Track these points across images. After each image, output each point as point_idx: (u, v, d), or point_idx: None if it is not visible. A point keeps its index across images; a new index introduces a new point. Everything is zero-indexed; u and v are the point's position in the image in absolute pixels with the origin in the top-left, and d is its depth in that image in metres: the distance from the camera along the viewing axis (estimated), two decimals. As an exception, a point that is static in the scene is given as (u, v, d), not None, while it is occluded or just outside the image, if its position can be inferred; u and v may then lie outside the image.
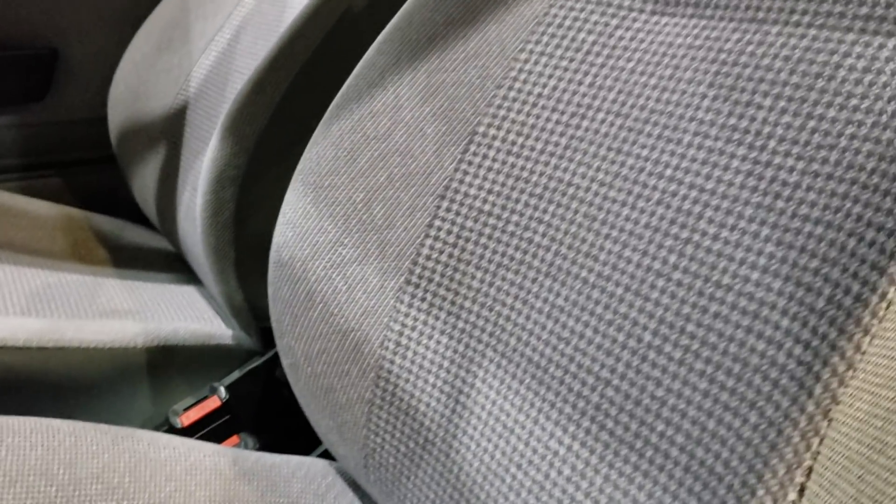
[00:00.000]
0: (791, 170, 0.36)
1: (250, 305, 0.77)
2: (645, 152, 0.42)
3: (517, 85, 0.50)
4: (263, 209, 0.71)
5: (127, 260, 1.00)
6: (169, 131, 0.98)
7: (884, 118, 0.33)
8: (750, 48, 0.40)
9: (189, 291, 0.94)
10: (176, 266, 1.01)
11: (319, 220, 0.53)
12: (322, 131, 0.55)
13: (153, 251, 1.06)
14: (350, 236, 0.52)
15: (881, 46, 0.35)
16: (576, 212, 0.44)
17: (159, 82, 1.01)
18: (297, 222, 0.54)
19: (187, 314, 0.87)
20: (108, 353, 0.71)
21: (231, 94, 0.91)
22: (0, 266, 0.87)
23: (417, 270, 0.50)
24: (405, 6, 0.55)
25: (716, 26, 0.42)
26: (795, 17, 0.39)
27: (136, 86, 1.03)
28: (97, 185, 1.21)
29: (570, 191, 0.45)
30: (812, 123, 0.36)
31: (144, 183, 1.01)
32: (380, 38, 0.55)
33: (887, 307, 0.29)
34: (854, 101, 0.35)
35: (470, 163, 0.50)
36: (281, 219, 0.55)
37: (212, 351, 0.79)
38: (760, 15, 0.41)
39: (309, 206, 0.54)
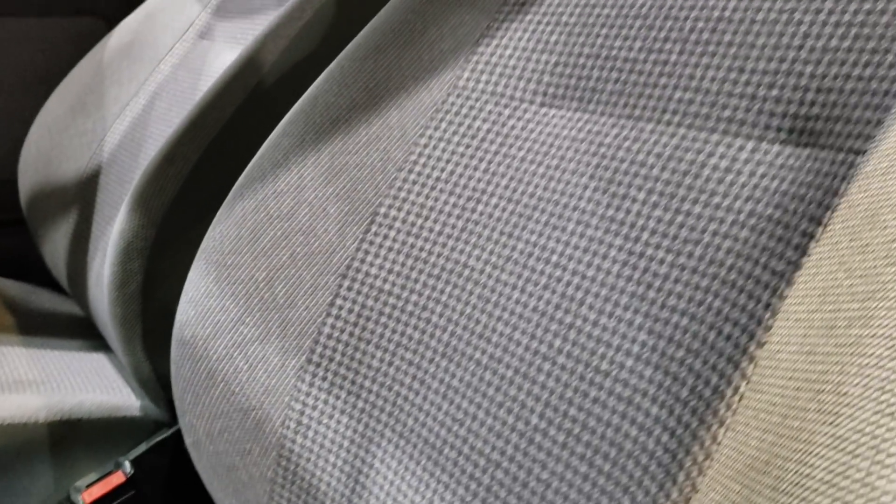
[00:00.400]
0: (661, 262, 0.38)
1: (158, 376, 0.76)
2: (534, 238, 0.44)
3: (417, 168, 0.51)
4: (172, 281, 0.71)
5: (35, 326, 0.98)
6: (81, 196, 0.96)
7: (741, 217, 0.36)
8: (627, 143, 0.43)
9: (98, 359, 0.92)
10: (86, 332, 0.99)
11: (221, 300, 0.54)
12: (226, 210, 0.56)
13: (63, 317, 1.03)
14: (252, 315, 0.53)
15: (741, 148, 0.38)
16: (471, 293, 0.46)
17: (72, 146, 1.00)
18: (199, 301, 0.54)
19: (95, 384, 0.85)
20: (7, 429, 0.69)
21: (144, 161, 0.91)
22: None
23: (318, 349, 0.50)
24: (310, 89, 0.57)
25: (597, 121, 0.45)
26: (667, 116, 0.42)
27: (49, 149, 1.02)
28: (6, 249, 1.18)
29: (466, 272, 0.47)
30: (680, 218, 0.38)
31: (55, 248, 0.99)
32: (285, 119, 0.57)
33: (739, 401, 0.31)
34: (716, 200, 0.37)
35: (371, 242, 0.51)
36: (183, 297, 0.56)
37: (118, 423, 0.77)
38: (637, 112, 0.43)
39: (211, 285, 0.54)
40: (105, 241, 0.88)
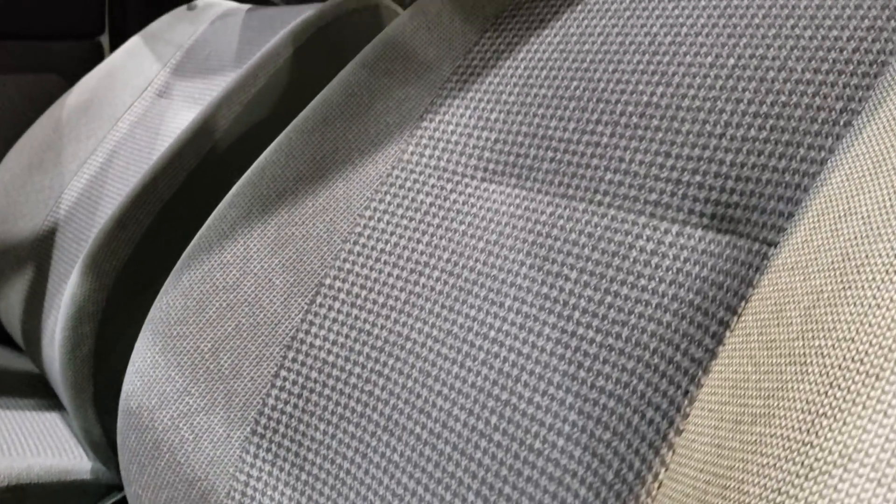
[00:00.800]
0: (591, 342, 0.39)
1: (109, 439, 0.75)
2: (473, 312, 0.45)
3: (362, 240, 0.52)
4: (123, 344, 0.71)
5: (-14, 385, 0.97)
6: (36, 254, 0.96)
7: (665, 301, 0.37)
8: (561, 222, 0.44)
9: (51, 419, 0.91)
10: (40, 390, 0.98)
11: (167, 370, 0.54)
12: (172, 281, 0.56)
13: (16, 374, 1.02)
14: (197, 386, 0.53)
15: (666, 231, 0.39)
16: (412, 366, 0.47)
17: (29, 203, 1.00)
18: (145, 371, 0.54)
19: (46, 445, 0.84)
20: (-49, 496, 0.68)
21: (100, 220, 0.91)
22: None
23: (263, 421, 0.51)
24: (258, 161, 0.58)
25: (534, 198, 0.46)
26: (598, 197, 0.43)
27: (5, 206, 1.02)
28: None
29: (408, 345, 0.47)
30: (609, 299, 0.39)
31: (10, 305, 0.99)
32: (232, 191, 0.57)
33: (658, 487, 0.32)
34: (643, 282, 0.39)
35: (316, 314, 0.52)
36: (130, 367, 0.56)
37: (68, 487, 0.76)
38: (570, 192, 0.45)
39: (157, 356, 0.54)
40: (60, 300, 0.88)
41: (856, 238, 0.27)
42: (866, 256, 0.26)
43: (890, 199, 0.27)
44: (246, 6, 1.04)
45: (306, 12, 0.90)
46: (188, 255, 0.56)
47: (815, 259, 0.29)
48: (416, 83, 0.56)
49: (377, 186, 0.53)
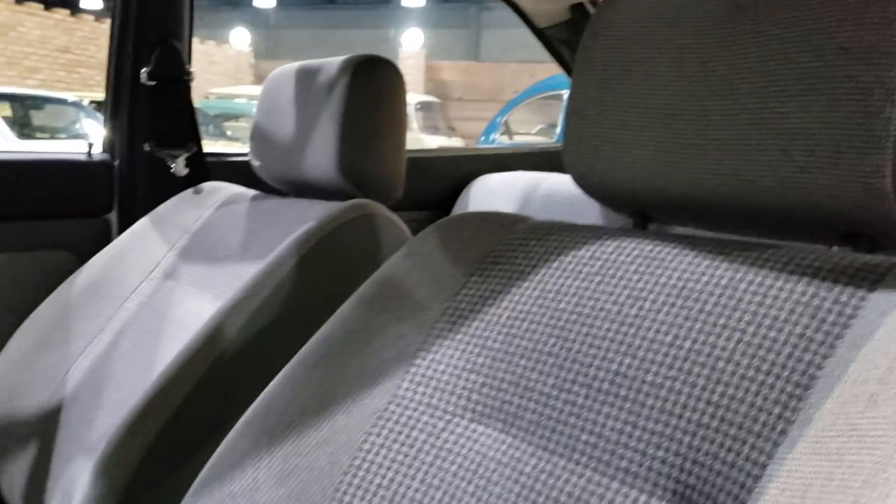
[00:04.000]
0: None
1: None
2: None
3: (360, 473, 0.57)
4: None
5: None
6: (42, 432, 0.99)
7: None
8: (543, 476, 0.49)
9: None
10: None
11: None
12: None
13: None
14: None
15: (635, 500, 0.44)
16: None
17: (36, 381, 1.04)
18: None
19: None
20: None
21: (106, 402, 0.95)
22: None
23: None
24: (265, 393, 0.63)
25: (518, 446, 0.51)
26: (576, 456, 0.48)
27: (13, 383, 1.06)
28: None
29: (404, 584, 0.51)
30: None
31: (13, 479, 1.01)
32: (241, 421, 0.62)
33: None
34: None
35: None
36: None
37: None
38: (551, 446, 0.50)
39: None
40: (64, 481, 0.91)
41: None
42: None
43: None
44: (250, 192, 1.11)
45: (308, 208, 0.97)
46: (200, 483, 0.60)
47: None
48: (409, 321, 0.61)
49: (374, 420, 0.58)
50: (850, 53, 0.44)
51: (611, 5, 0.59)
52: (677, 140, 0.52)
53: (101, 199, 1.23)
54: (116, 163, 1.24)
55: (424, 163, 1.60)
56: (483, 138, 6.40)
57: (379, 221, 0.89)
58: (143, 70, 1.21)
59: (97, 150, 1.28)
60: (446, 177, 1.60)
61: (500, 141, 6.14)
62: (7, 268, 1.18)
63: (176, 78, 1.23)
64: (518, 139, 6.25)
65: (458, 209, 1.57)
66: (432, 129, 8.73)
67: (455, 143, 8.38)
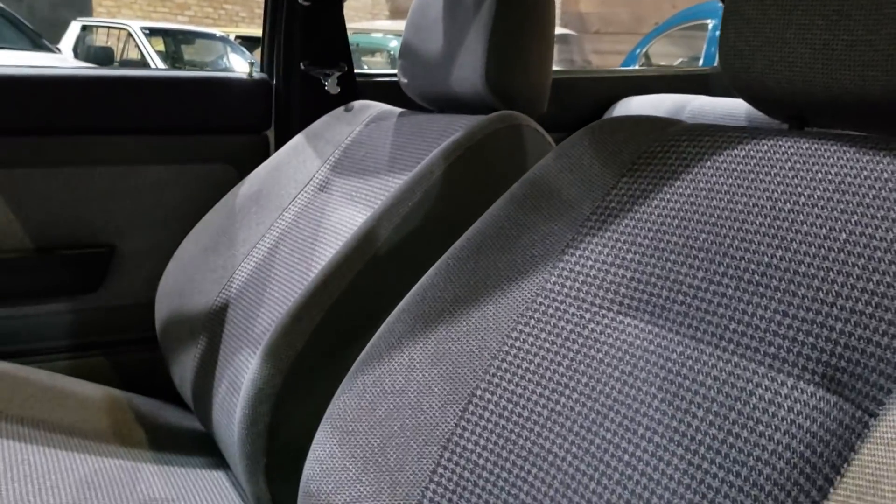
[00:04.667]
0: (714, 476, 0.45)
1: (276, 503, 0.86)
2: (609, 436, 0.52)
3: (509, 358, 0.60)
4: (295, 423, 0.82)
5: (163, 442, 1.10)
6: (209, 327, 1.09)
7: (780, 449, 0.43)
8: (689, 363, 0.51)
9: (219, 478, 1.03)
10: (208, 449, 1.10)
11: (343, 460, 0.63)
12: (348, 383, 0.66)
13: (187, 433, 1.15)
14: (368, 475, 0.62)
15: (782, 384, 0.46)
16: (553, 478, 0.54)
17: (204, 282, 1.14)
18: (324, 460, 0.64)
19: (214, 502, 0.95)
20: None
21: (268, 300, 1.03)
22: (53, 450, 0.97)
23: None
24: (420, 282, 0.67)
25: (665, 335, 0.53)
26: (724, 343, 0.50)
27: (183, 283, 1.16)
28: (138, 365, 1.33)
29: (550, 458, 0.55)
30: (731, 440, 0.46)
31: (184, 370, 1.12)
32: (399, 307, 0.67)
33: None
34: (761, 428, 0.45)
35: (468, 420, 0.60)
36: (311, 455, 0.65)
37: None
38: (698, 335, 0.52)
39: (335, 447, 0.64)
40: (230, 370, 1.00)
41: None
42: None
43: None
44: (398, 110, 1.15)
45: (454, 121, 1.00)
46: (362, 361, 0.66)
47: None
48: (559, 220, 0.64)
49: (523, 311, 0.62)
50: None
51: None
52: (844, 38, 0.51)
53: (261, 116, 1.31)
54: (274, 82, 1.31)
55: (567, 83, 1.60)
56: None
57: (525, 133, 0.91)
58: (299, -9, 1.27)
59: (257, 70, 1.35)
60: (589, 97, 1.59)
61: (639, 75, 5.92)
62: (176, 178, 1.28)
63: (329, -1, 1.28)
64: (658, 72, 6.00)
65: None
66: (568, 62, 8.56)
67: (592, 77, 8.14)
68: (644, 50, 6.12)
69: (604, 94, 1.58)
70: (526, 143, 0.91)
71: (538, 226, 0.65)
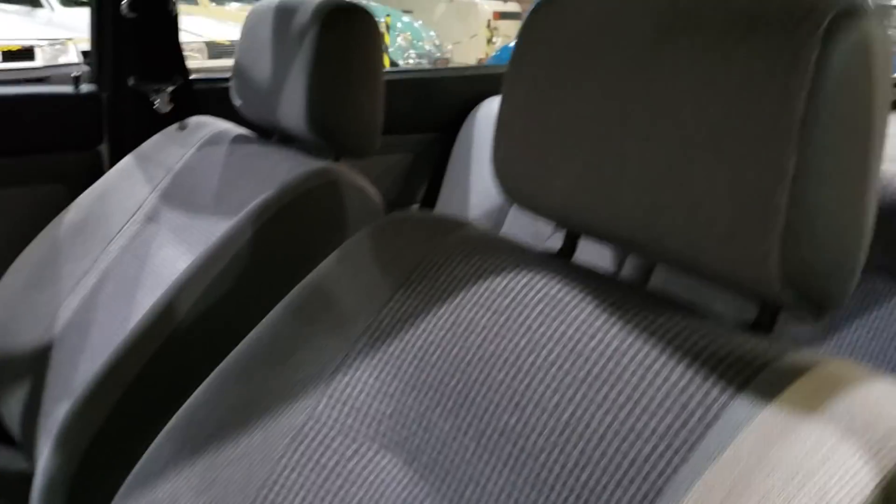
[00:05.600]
0: None
1: None
2: None
3: (275, 489, 0.57)
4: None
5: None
6: (35, 369, 1.03)
7: None
8: None
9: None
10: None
11: None
12: None
13: (13, 474, 1.10)
14: None
15: None
16: None
17: (27, 319, 1.07)
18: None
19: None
20: None
21: (89, 348, 0.98)
22: None
23: None
24: (191, 399, 0.63)
25: (416, 484, 0.51)
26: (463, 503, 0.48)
27: (6, 320, 1.09)
28: None
29: None
30: None
31: (12, 413, 1.06)
32: (168, 426, 0.63)
33: None
34: None
35: None
36: None
37: None
38: (443, 489, 0.49)
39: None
40: (51, 421, 0.95)
41: None
42: None
43: None
44: (233, 132, 1.09)
45: (282, 161, 0.95)
46: (128, 486, 0.62)
47: None
48: (333, 335, 0.60)
49: (292, 438, 0.58)
50: (752, 119, 0.40)
51: (544, 9, 0.54)
52: (598, 175, 0.49)
53: (91, 131, 1.22)
54: (105, 95, 1.22)
55: (431, 83, 1.55)
56: (498, 55, 5.93)
57: (344, 189, 0.87)
58: (123, 2, 1.17)
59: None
60: (454, 98, 1.54)
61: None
62: (2, 203, 1.19)
63: (158, 10, 1.19)
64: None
65: (464, 132, 1.52)
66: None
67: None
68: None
69: (470, 92, 1.53)
70: (345, 200, 0.87)
71: (313, 339, 0.61)
